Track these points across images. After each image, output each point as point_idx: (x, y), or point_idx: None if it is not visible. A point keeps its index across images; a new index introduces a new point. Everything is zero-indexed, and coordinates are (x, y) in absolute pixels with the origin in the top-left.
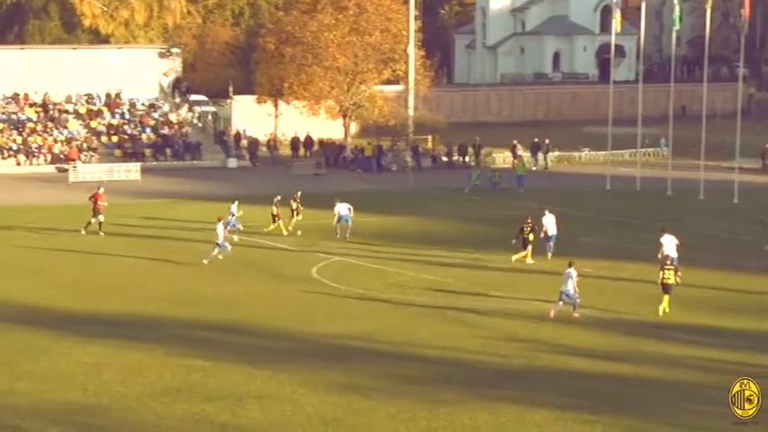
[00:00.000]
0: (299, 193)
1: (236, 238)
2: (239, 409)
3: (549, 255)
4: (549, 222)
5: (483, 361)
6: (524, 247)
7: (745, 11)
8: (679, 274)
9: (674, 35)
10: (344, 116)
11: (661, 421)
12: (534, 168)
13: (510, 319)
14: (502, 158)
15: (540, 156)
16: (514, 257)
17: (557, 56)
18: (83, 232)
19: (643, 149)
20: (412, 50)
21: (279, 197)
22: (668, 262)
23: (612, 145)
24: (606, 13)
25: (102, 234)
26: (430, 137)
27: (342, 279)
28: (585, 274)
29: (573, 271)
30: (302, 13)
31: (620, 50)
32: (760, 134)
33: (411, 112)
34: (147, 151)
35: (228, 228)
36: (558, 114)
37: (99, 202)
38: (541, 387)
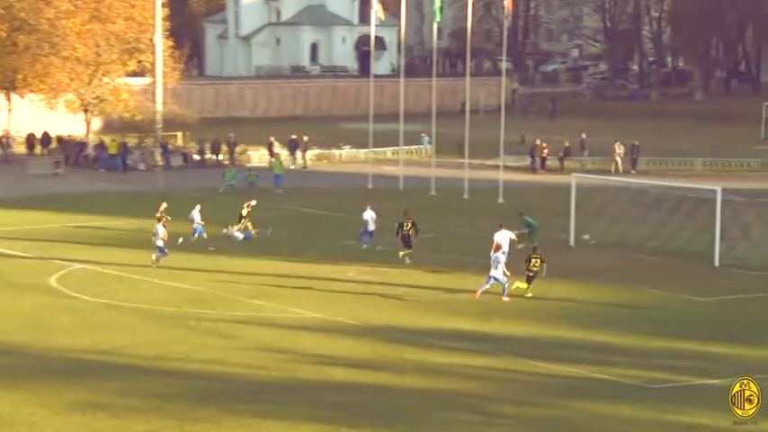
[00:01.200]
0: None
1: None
2: None
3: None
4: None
5: (240, 374)
6: (406, 246)
7: (508, 3)
8: (544, 265)
9: (435, 27)
10: (86, 111)
11: None
12: (292, 167)
13: (268, 329)
14: (258, 156)
15: (299, 153)
16: (402, 253)
17: (314, 47)
18: None
19: (407, 147)
20: (159, 40)
21: (165, 204)
22: (535, 251)
23: (374, 142)
24: (365, 3)
25: None
26: (180, 133)
27: (85, 288)
28: (349, 279)
29: (501, 255)
30: None
31: (380, 42)
32: (526, 130)
33: (159, 106)
34: None
35: (195, 236)
36: (316, 109)
37: None
38: (301, 400)
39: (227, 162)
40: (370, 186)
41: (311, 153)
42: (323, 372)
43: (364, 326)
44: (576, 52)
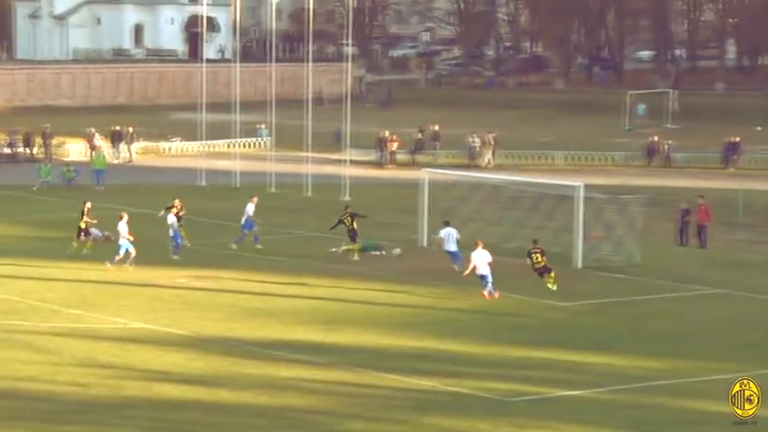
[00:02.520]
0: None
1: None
2: None
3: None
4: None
5: (56, 392)
6: (352, 240)
7: None
8: (544, 258)
9: (272, 7)
10: None
11: None
12: (116, 161)
13: (90, 342)
14: (77, 150)
15: (123, 146)
16: (344, 248)
17: (138, 29)
18: None
19: (243, 140)
20: None
21: (89, 204)
22: (535, 245)
23: (207, 134)
24: None
25: None
26: None
27: None
28: (179, 285)
29: (483, 251)
30: None
31: (212, 24)
32: (375, 122)
33: None
34: None
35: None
36: (142, 98)
37: None
38: (128, 420)
39: (41, 156)
40: (202, 183)
41: (137, 146)
42: (152, 389)
43: (197, 337)
44: (427, 36)
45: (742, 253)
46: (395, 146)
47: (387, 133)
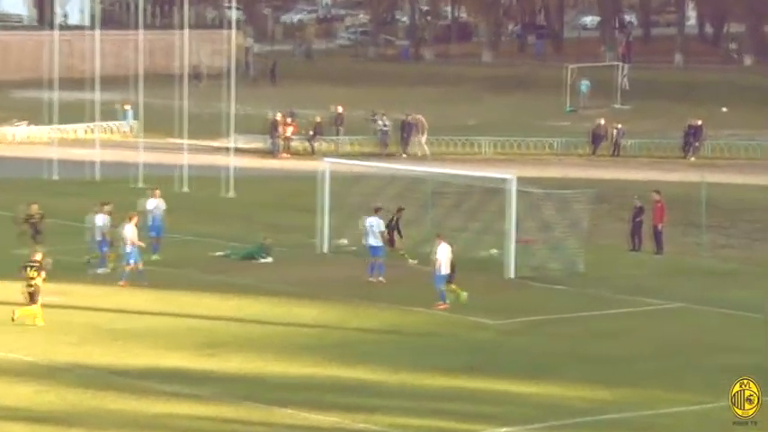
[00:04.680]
0: None
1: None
2: None
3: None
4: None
5: None
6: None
7: None
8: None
9: None
10: None
11: None
12: None
13: None
14: None
15: None
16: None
17: None
18: None
19: (104, 123)
20: None
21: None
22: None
23: (60, 117)
24: None
25: None
26: None
27: None
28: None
29: (446, 245)
30: None
31: None
32: (265, 102)
33: None
34: None
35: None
36: None
37: None
38: None
39: None
40: (54, 177)
41: None
42: None
43: (49, 365)
44: None
45: (705, 259)
46: (289, 131)
47: (279, 116)
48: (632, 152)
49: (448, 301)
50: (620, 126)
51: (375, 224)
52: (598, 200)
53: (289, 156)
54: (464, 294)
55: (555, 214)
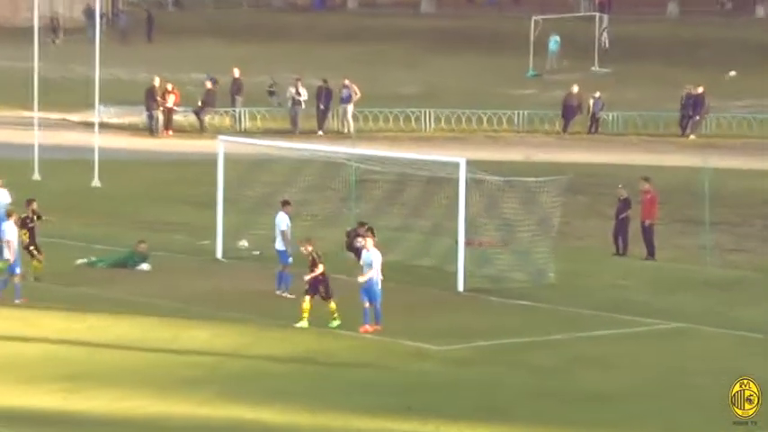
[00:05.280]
0: None
1: None
2: None
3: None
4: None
5: None
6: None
7: None
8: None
9: None
10: None
11: None
12: None
13: None
14: None
15: None
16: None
17: None
18: None
19: None
20: None
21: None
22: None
23: None
24: None
25: None
26: None
27: None
28: None
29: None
30: None
31: None
32: (141, 64)
33: None
34: None
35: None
36: None
37: None
38: None
39: None
40: None
41: None
42: None
43: None
44: None
45: (709, 266)
46: (172, 101)
47: (158, 81)
48: (615, 129)
49: (379, 322)
50: (598, 95)
51: (280, 222)
52: (572, 190)
53: (171, 133)
54: (335, 323)
55: (518, 208)
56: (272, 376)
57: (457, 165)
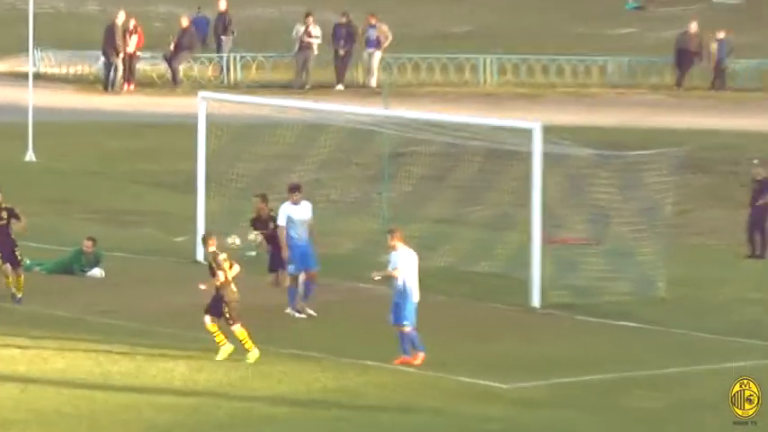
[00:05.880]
0: None
1: None
2: None
3: None
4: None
5: None
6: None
7: None
8: None
9: None
10: None
11: None
12: None
13: None
14: None
15: None
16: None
17: None
18: None
19: None
20: None
21: None
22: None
23: None
24: None
25: None
26: None
27: None
28: None
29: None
30: None
31: None
32: None
33: None
34: None
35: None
36: None
37: None
38: None
39: None
40: None
41: None
42: None
43: None
44: None
45: None
46: (134, 43)
47: (122, 18)
48: (746, 82)
49: (420, 350)
50: (723, 36)
51: (298, 211)
52: (689, 167)
53: (134, 88)
54: (253, 354)
55: (615, 193)
56: (273, 423)
57: (529, 132)
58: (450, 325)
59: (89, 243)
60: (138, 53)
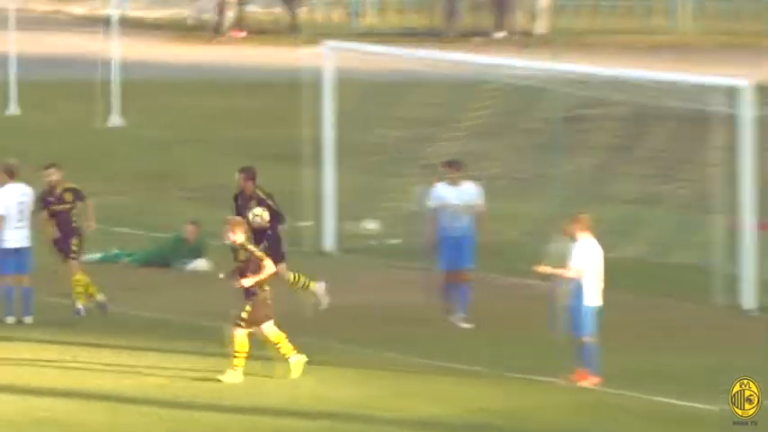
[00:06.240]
0: None
1: None
2: None
3: None
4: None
5: None
6: None
7: None
8: None
9: None
10: None
11: None
12: None
13: None
14: None
15: None
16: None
17: None
18: None
19: None
20: None
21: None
22: None
23: None
24: None
25: None
26: None
27: None
28: None
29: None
30: None
31: None
32: None
33: None
34: None
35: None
36: None
37: None
38: None
39: None
40: None
41: None
42: None
43: None
44: None
45: None
46: None
47: None
48: None
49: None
50: None
51: (457, 193)
52: None
53: (245, 35)
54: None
55: None
56: None
57: (736, 91)
58: (641, 331)
59: (191, 228)
60: None
